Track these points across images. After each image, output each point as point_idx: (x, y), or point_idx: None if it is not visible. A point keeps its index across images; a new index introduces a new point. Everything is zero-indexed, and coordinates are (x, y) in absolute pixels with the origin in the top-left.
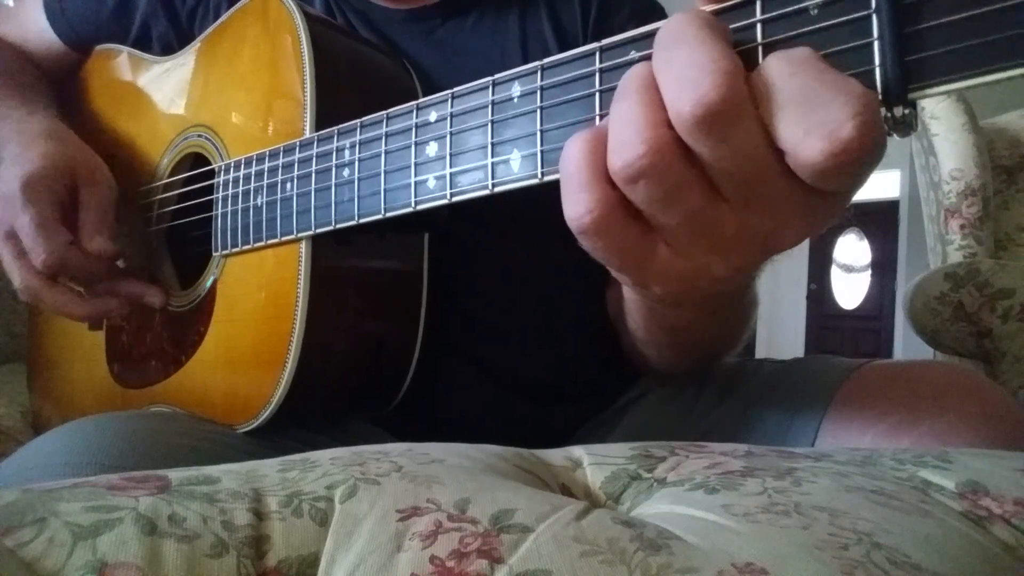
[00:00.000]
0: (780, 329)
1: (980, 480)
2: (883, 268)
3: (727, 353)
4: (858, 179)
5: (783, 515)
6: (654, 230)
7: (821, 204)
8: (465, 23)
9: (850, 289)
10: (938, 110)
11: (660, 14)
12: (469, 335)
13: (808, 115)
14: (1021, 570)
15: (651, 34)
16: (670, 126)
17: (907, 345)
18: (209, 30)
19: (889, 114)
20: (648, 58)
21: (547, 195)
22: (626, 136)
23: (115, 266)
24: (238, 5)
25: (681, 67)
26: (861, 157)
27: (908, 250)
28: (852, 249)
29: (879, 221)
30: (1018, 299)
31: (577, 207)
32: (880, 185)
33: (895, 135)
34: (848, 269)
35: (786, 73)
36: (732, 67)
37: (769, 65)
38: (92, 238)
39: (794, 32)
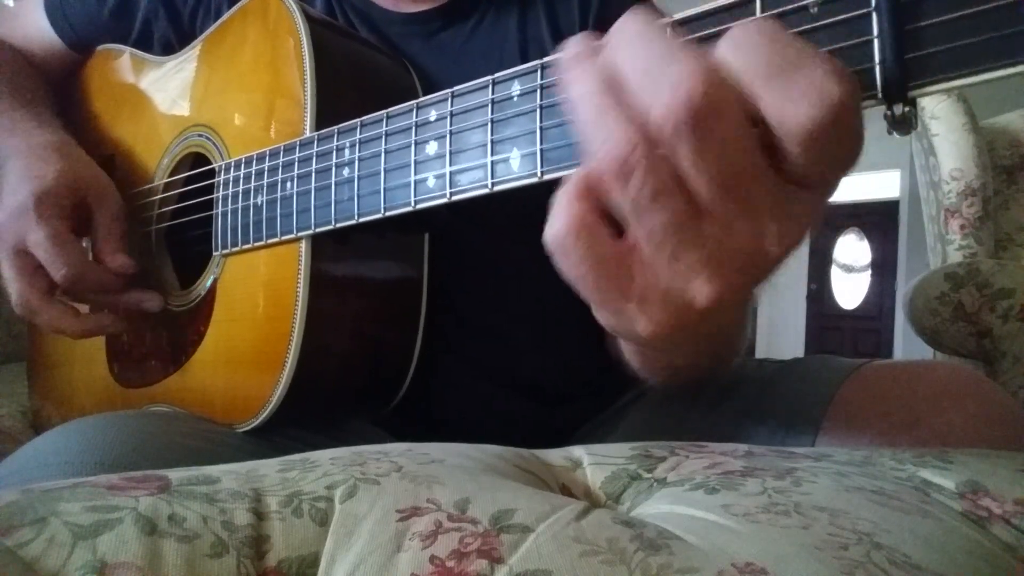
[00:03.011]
0: (780, 329)
1: (980, 480)
2: (883, 268)
3: (728, 364)
4: (840, 158)
5: (783, 515)
6: (634, 250)
7: (802, 205)
8: (465, 27)
9: (850, 289)
10: (938, 110)
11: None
12: (469, 335)
13: (788, 83)
14: (1021, 570)
15: None
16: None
17: (907, 345)
18: (210, 30)
19: (889, 112)
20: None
21: (547, 195)
22: (610, 132)
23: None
24: (239, 5)
25: (655, 67)
26: (844, 115)
27: (908, 250)
28: (852, 249)
29: (879, 221)
30: (1018, 299)
31: (555, 223)
32: (880, 185)
33: (895, 133)
34: (848, 269)
35: (756, 45)
36: (708, 63)
37: (737, 40)
38: (114, 255)
39: (794, 31)
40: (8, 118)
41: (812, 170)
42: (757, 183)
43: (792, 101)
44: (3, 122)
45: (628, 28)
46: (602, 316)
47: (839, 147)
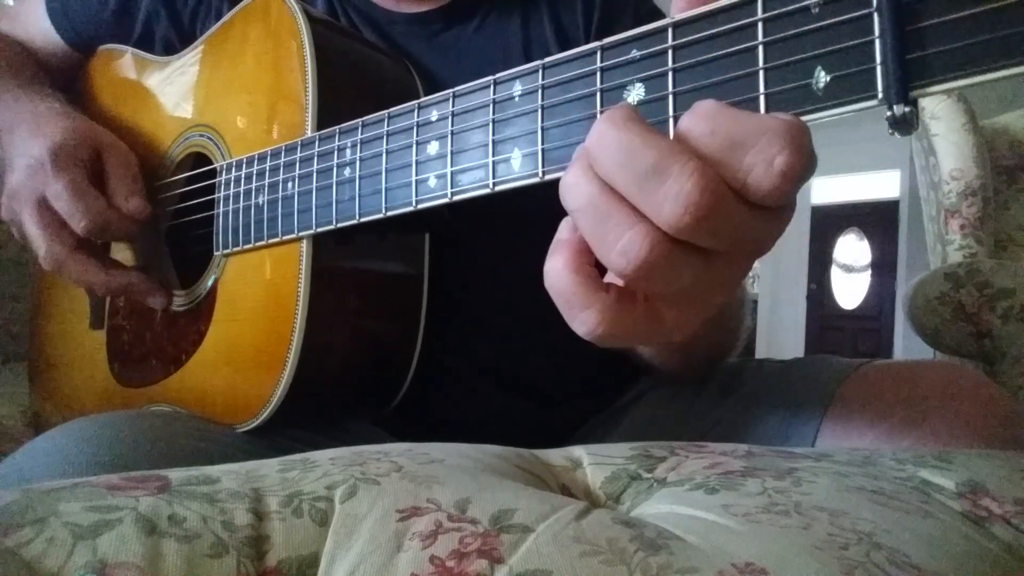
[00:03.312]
0: (780, 329)
1: (980, 480)
2: (883, 268)
3: (731, 352)
4: (798, 187)
5: (783, 515)
6: (658, 299)
7: (774, 222)
8: (468, 27)
9: (850, 289)
10: (938, 110)
11: (660, 19)
12: (469, 335)
13: (747, 155)
14: (1021, 570)
15: (652, 33)
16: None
17: (907, 345)
18: (211, 30)
19: (890, 113)
20: (650, 56)
21: (547, 195)
22: (617, 241)
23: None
24: (240, 5)
25: (639, 183)
26: (802, 170)
27: (908, 250)
28: (852, 249)
29: (879, 221)
30: (1018, 299)
31: (587, 324)
32: (880, 185)
33: (896, 134)
34: (848, 269)
35: (707, 132)
36: (698, 170)
37: (692, 127)
38: (128, 199)
39: (795, 31)
40: (11, 94)
41: (783, 202)
42: (759, 221)
43: (754, 176)
44: (5, 97)
45: (608, 141)
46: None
47: (797, 185)
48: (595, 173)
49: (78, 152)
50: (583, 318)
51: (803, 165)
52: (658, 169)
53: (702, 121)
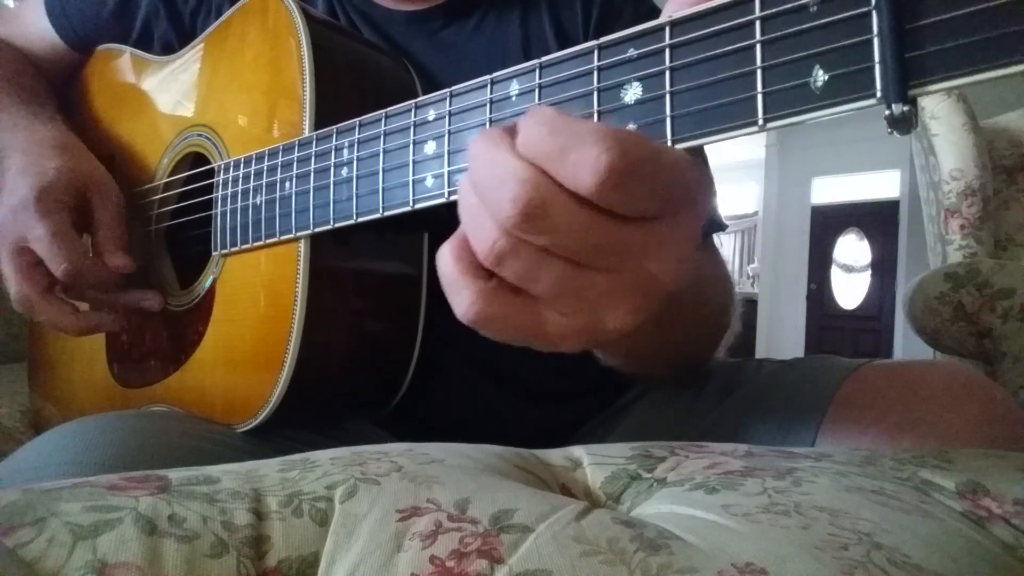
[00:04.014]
0: (780, 329)
1: (980, 480)
2: (883, 268)
3: (711, 341)
4: (654, 194)
5: (783, 515)
6: (537, 300)
7: (666, 232)
8: (467, 25)
9: (850, 289)
10: (938, 110)
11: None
12: (468, 335)
13: (571, 163)
14: (1021, 570)
15: (650, 32)
16: None
17: (907, 345)
18: (210, 30)
19: (889, 112)
20: (647, 55)
21: None
22: (480, 232)
23: (119, 277)
24: (238, 5)
25: (490, 188)
26: (624, 174)
27: (908, 250)
28: (852, 249)
29: (879, 221)
30: (1018, 299)
31: (460, 306)
32: (880, 185)
33: (895, 133)
34: (848, 269)
35: (547, 134)
36: (522, 169)
37: (528, 135)
38: (114, 254)
39: (793, 29)
40: (8, 115)
41: (637, 208)
42: (609, 238)
43: (577, 177)
44: (2, 118)
45: (474, 147)
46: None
47: (639, 190)
48: (466, 179)
49: (65, 195)
50: (457, 300)
51: (627, 168)
52: (502, 174)
53: (540, 125)
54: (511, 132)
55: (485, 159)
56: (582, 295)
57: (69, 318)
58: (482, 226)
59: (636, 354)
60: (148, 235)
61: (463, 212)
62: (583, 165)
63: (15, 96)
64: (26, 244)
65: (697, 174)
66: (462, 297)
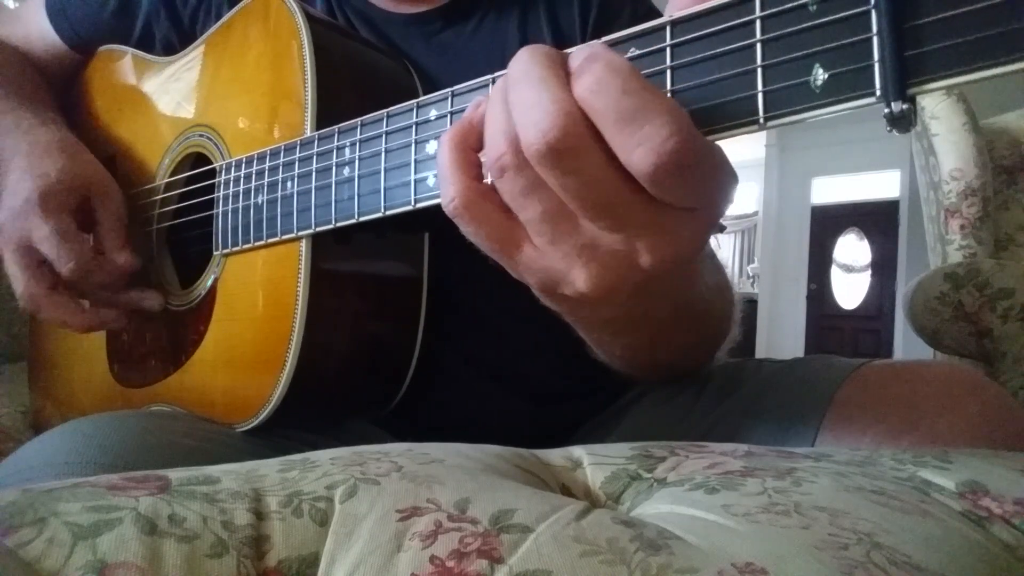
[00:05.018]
0: (780, 329)
1: (980, 480)
2: (883, 268)
3: (711, 347)
4: (695, 190)
5: (783, 515)
6: (518, 224)
7: (675, 222)
8: (465, 27)
9: (850, 289)
10: (938, 110)
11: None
12: (469, 335)
13: (632, 132)
14: (1021, 570)
15: (651, 31)
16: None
17: (907, 345)
18: (211, 30)
19: (888, 110)
20: (648, 54)
21: None
22: (492, 140)
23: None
24: (240, 5)
25: (525, 107)
26: (683, 160)
27: (908, 250)
28: (852, 249)
29: (879, 221)
30: (1018, 299)
31: (446, 196)
32: (880, 185)
33: (894, 131)
34: (848, 269)
35: (619, 90)
36: (570, 107)
37: (592, 81)
38: (119, 251)
39: (792, 28)
40: (10, 117)
41: (672, 197)
42: (620, 203)
43: (634, 149)
44: (5, 121)
45: (515, 63)
46: (502, 263)
47: (686, 183)
48: (500, 87)
49: (68, 197)
50: (444, 189)
51: (690, 160)
52: (538, 95)
53: (614, 77)
54: (564, 61)
55: (533, 76)
56: (561, 240)
57: (75, 315)
58: (499, 132)
59: (628, 356)
60: (149, 235)
61: (488, 111)
62: (647, 141)
63: (16, 98)
64: (31, 244)
65: (733, 180)
66: (447, 188)
